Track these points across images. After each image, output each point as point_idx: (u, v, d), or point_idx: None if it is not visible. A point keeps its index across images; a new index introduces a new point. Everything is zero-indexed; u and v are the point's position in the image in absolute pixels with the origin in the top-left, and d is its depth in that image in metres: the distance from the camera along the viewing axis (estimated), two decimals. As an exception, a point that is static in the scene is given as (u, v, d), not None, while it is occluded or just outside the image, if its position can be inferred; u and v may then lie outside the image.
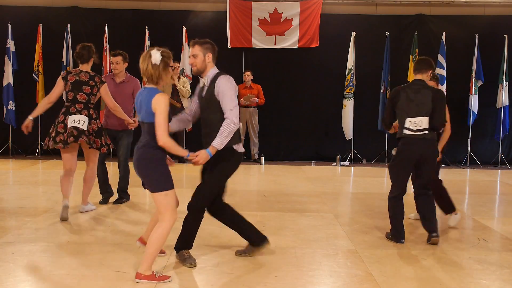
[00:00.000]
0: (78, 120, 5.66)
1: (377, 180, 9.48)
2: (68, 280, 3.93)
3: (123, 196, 6.82)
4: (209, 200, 4.36)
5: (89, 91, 5.76)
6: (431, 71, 5.31)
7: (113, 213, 6.23)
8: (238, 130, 4.31)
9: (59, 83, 5.79)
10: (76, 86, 5.74)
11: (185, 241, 4.41)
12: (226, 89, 4.25)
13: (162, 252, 4.53)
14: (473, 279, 4.16)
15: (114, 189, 6.79)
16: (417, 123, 5.07)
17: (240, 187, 8.44)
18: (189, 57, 4.34)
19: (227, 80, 4.30)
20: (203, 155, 4.14)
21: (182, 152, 4.02)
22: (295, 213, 6.47)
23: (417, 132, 5.08)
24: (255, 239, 4.60)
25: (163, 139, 3.82)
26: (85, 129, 5.67)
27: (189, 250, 4.42)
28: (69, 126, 5.62)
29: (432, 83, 5.46)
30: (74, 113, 5.68)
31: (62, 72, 5.94)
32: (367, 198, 7.63)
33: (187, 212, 4.34)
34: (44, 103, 5.84)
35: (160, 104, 3.83)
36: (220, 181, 4.40)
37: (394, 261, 4.59)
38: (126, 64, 6.72)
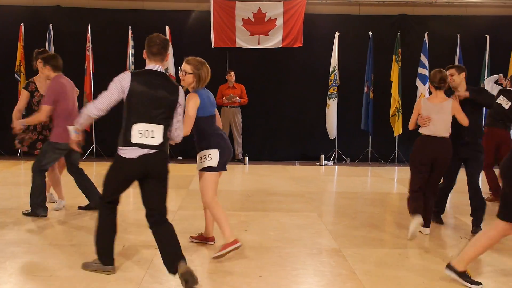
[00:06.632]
0: None
1: (360, 179, 9.54)
2: (51, 281, 3.90)
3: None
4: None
5: None
6: None
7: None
8: (125, 132, 3.78)
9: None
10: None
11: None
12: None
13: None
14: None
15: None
16: None
17: (224, 187, 8.43)
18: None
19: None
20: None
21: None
22: (279, 212, 6.49)
23: None
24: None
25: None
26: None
27: None
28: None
29: None
30: None
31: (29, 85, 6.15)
32: (351, 197, 7.68)
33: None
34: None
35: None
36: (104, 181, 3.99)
37: (377, 260, 4.63)
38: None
